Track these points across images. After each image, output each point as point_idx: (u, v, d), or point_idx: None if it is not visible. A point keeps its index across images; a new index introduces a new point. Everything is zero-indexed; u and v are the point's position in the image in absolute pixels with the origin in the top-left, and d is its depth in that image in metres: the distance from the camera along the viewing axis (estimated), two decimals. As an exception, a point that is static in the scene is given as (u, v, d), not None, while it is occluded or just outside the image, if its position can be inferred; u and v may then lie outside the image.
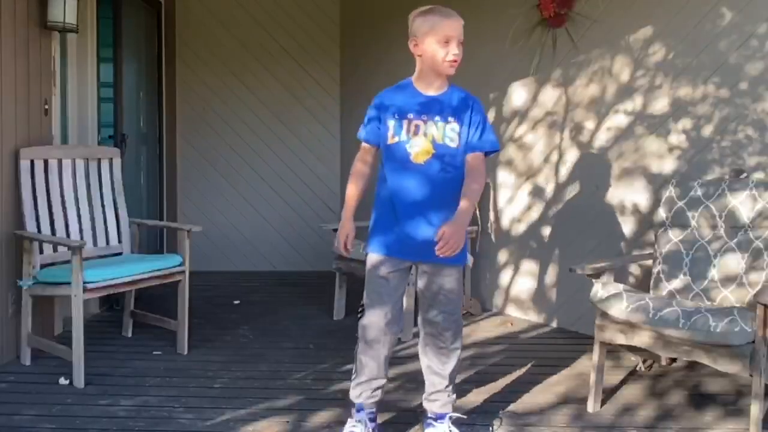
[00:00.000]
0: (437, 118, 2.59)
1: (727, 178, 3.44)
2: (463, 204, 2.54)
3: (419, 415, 3.00)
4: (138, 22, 5.50)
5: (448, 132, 2.60)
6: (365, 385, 2.75)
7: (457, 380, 3.44)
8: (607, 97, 4.10)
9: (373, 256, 2.69)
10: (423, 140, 2.59)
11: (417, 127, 2.58)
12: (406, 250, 2.65)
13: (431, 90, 2.63)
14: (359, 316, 2.78)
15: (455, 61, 2.54)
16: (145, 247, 5.20)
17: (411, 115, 2.59)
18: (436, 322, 2.70)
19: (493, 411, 3.08)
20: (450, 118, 2.60)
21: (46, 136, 4.03)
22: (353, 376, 2.81)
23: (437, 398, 2.78)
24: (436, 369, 2.75)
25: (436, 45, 2.53)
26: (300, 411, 3.07)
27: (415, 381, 3.44)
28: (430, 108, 2.60)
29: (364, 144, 2.73)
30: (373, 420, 2.81)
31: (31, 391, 3.28)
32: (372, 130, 2.68)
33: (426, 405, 2.82)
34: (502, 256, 4.70)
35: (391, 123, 2.61)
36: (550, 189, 4.41)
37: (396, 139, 2.60)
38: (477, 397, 3.25)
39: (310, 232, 5.94)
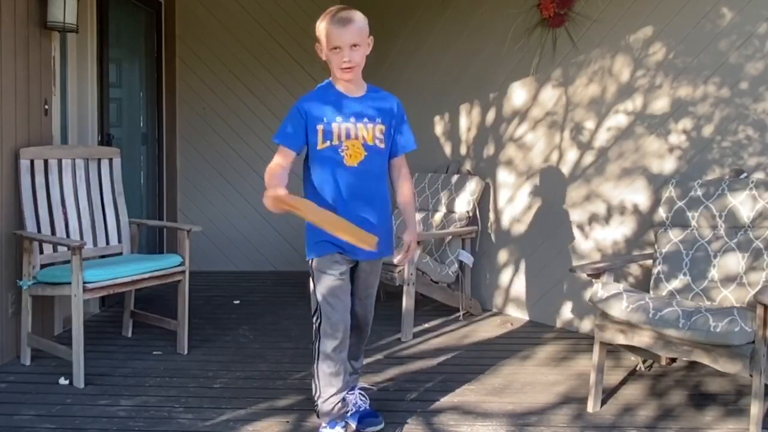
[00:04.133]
0: (365, 119, 2.63)
1: (727, 178, 3.44)
2: (413, 209, 2.84)
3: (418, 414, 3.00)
4: (136, 22, 5.50)
5: (377, 133, 2.65)
6: (336, 398, 2.73)
7: (457, 380, 3.46)
8: (607, 97, 4.10)
9: (327, 258, 2.66)
10: (354, 143, 2.61)
11: (348, 130, 2.60)
12: (355, 249, 2.61)
13: (352, 92, 2.66)
14: (316, 325, 2.71)
15: (348, 67, 2.57)
16: (145, 247, 5.21)
17: (340, 119, 2.60)
18: (363, 315, 2.86)
19: (493, 411, 3.09)
20: (377, 119, 2.66)
21: (46, 136, 4.03)
22: (317, 394, 2.75)
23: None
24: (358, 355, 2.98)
25: (330, 53, 2.58)
26: (300, 411, 3.07)
27: (415, 381, 3.45)
28: (356, 110, 2.63)
29: (284, 148, 2.62)
30: (355, 416, 2.85)
31: (31, 391, 3.28)
32: (296, 137, 2.61)
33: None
34: (502, 256, 4.70)
35: (320, 128, 2.60)
36: (550, 189, 4.41)
37: (327, 144, 2.60)
38: (477, 397, 3.25)
39: (310, 232, 5.92)
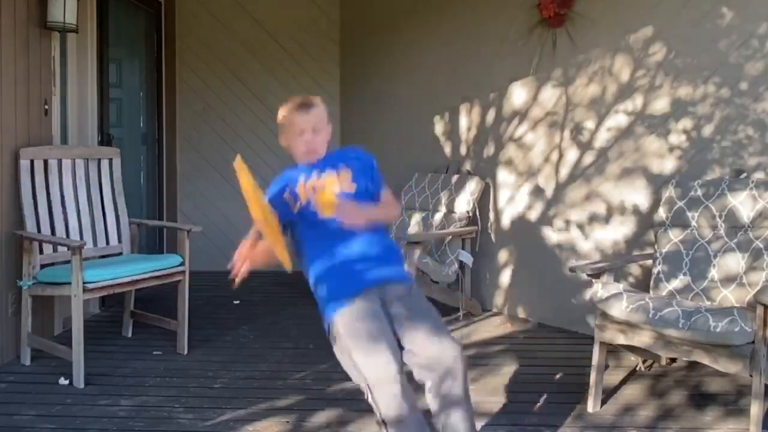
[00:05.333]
0: (327, 170, 2.60)
1: (727, 178, 3.44)
2: (378, 207, 2.65)
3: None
4: (136, 22, 5.50)
5: (343, 179, 2.59)
6: None
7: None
8: (607, 97, 4.10)
9: (349, 308, 2.40)
10: (323, 195, 2.55)
11: (313, 186, 2.57)
12: (365, 280, 2.47)
13: (313, 160, 2.64)
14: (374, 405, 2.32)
15: (308, 149, 2.59)
16: (145, 247, 5.21)
17: (302, 178, 2.59)
18: (438, 353, 2.41)
19: (493, 411, 3.08)
20: (339, 166, 2.61)
21: (46, 136, 4.03)
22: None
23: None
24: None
25: (293, 140, 2.60)
26: (300, 411, 3.07)
27: (415, 381, 3.44)
28: (318, 167, 2.60)
29: None
30: None
31: (31, 391, 3.28)
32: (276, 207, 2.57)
33: None
34: (502, 256, 4.70)
35: (287, 196, 2.58)
36: (550, 189, 4.41)
37: (299, 204, 2.56)
38: (477, 397, 3.24)
39: (310, 232, 5.93)
